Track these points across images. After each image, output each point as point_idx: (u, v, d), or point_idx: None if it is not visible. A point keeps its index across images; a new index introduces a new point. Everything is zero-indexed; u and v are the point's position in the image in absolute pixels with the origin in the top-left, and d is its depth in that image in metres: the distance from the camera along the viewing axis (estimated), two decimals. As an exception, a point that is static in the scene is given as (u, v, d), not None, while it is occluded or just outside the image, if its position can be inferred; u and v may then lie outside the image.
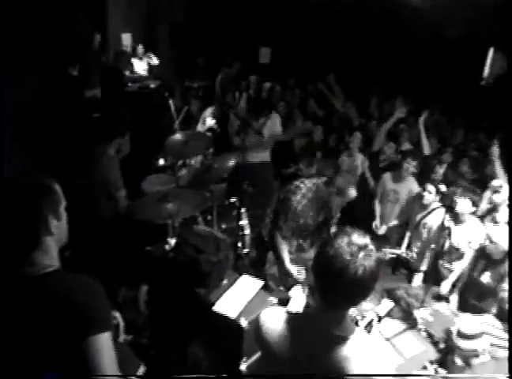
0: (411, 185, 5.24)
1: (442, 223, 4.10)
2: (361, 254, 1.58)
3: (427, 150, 5.77)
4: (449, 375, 2.78)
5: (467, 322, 2.88)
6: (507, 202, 4.25)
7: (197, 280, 2.98)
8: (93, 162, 4.14)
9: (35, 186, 1.70)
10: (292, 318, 1.80)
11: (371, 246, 1.64)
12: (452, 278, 4.32)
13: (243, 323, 2.79)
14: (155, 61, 8.97)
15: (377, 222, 5.45)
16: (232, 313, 2.86)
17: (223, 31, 10.76)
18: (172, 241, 3.32)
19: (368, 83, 9.65)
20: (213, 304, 2.93)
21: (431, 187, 4.81)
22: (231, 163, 4.11)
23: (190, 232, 3.23)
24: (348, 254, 1.58)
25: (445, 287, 4.27)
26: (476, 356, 2.74)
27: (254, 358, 2.78)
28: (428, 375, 2.74)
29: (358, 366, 1.61)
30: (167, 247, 3.31)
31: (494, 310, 3.73)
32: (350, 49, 10.54)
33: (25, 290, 1.61)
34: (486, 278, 3.96)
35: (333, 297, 1.66)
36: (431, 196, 4.80)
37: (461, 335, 2.78)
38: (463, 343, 2.75)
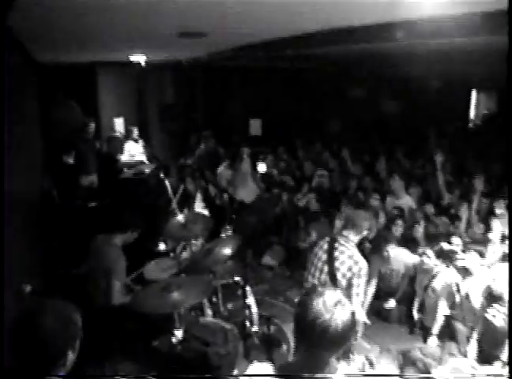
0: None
1: (451, 283, 4.12)
2: (337, 309, 1.66)
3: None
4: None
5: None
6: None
7: (207, 374, 2.91)
8: (96, 252, 4.12)
9: (59, 320, 1.60)
10: None
11: (343, 299, 1.72)
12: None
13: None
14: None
15: None
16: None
17: (212, 107, 11.06)
18: (179, 333, 3.26)
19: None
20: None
21: (428, 252, 4.88)
22: (230, 249, 4.10)
23: (197, 324, 3.19)
24: (326, 313, 1.65)
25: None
26: None
27: None
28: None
29: None
30: (174, 340, 3.24)
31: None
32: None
33: None
34: (500, 321, 3.87)
35: (316, 351, 1.72)
36: (430, 260, 4.83)
37: None
38: None
